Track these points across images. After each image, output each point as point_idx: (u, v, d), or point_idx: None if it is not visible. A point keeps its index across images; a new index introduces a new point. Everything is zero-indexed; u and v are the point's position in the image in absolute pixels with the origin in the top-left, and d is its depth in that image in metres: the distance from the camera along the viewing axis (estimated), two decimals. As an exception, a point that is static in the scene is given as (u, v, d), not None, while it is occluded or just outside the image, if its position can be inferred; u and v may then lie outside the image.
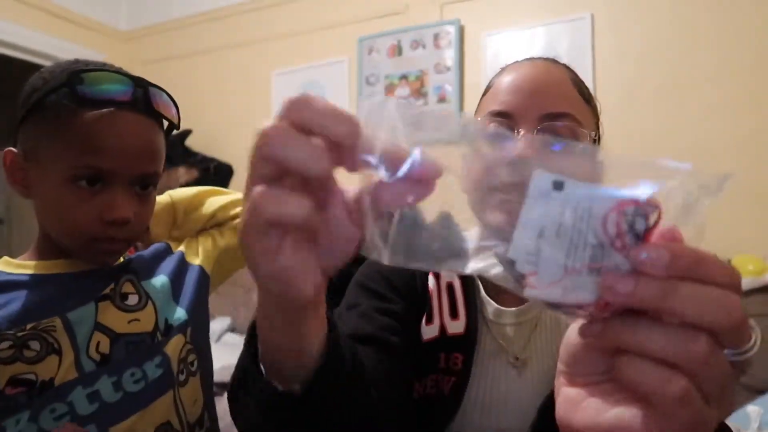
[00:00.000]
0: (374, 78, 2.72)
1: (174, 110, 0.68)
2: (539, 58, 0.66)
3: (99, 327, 0.63)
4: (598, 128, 0.65)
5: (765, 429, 1.27)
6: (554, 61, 0.65)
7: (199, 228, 0.80)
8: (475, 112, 0.68)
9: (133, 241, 0.66)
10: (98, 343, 0.62)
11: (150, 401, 0.63)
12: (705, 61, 2.09)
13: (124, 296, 0.66)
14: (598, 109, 0.67)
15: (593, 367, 0.31)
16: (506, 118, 0.60)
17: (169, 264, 0.73)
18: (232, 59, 3.15)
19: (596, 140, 0.63)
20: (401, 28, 2.67)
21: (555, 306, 0.27)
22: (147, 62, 3.48)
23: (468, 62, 2.53)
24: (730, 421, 1.34)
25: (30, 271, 0.64)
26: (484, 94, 0.67)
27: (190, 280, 0.74)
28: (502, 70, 0.67)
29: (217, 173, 2.89)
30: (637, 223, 0.25)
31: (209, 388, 0.74)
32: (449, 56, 2.56)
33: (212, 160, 2.94)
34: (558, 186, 0.25)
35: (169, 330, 0.68)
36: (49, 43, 3.13)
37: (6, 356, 0.56)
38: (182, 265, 0.74)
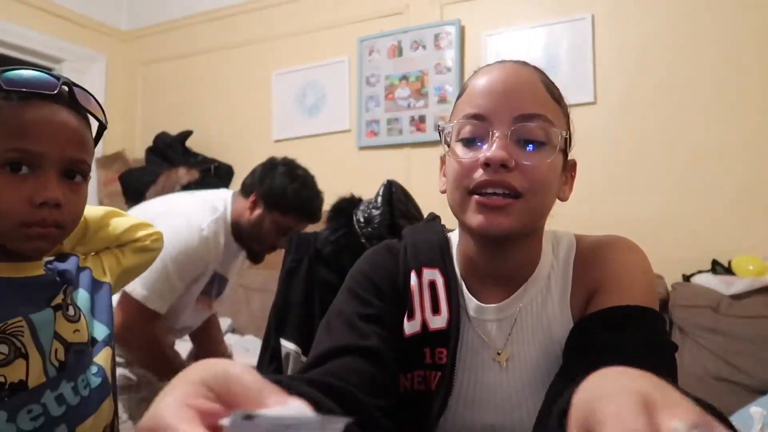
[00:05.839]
0: (374, 78, 2.72)
1: (99, 108, 0.71)
2: (510, 61, 0.67)
3: (56, 335, 0.67)
4: (568, 127, 0.67)
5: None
6: (525, 64, 0.67)
7: (104, 246, 0.84)
8: (451, 114, 0.70)
9: (65, 232, 0.69)
10: (56, 351, 0.66)
11: (97, 405, 0.69)
12: (705, 61, 2.09)
13: (67, 307, 0.70)
14: (568, 109, 0.69)
15: None
16: (481, 120, 0.62)
17: (85, 279, 0.76)
18: (232, 59, 3.15)
19: (567, 139, 0.65)
20: (401, 28, 2.67)
21: None
22: (147, 62, 3.48)
23: (468, 62, 2.53)
24: (733, 423, 1.33)
25: None
26: (459, 97, 0.69)
27: (105, 296, 0.78)
28: (476, 72, 0.68)
29: (217, 174, 2.88)
30: None
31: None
32: (449, 57, 2.56)
33: (213, 161, 2.94)
34: (248, 417, 0.25)
35: (94, 342, 0.72)
36: (49, 43, 3.12)
37: None
38: (94, 282, 0.78)
